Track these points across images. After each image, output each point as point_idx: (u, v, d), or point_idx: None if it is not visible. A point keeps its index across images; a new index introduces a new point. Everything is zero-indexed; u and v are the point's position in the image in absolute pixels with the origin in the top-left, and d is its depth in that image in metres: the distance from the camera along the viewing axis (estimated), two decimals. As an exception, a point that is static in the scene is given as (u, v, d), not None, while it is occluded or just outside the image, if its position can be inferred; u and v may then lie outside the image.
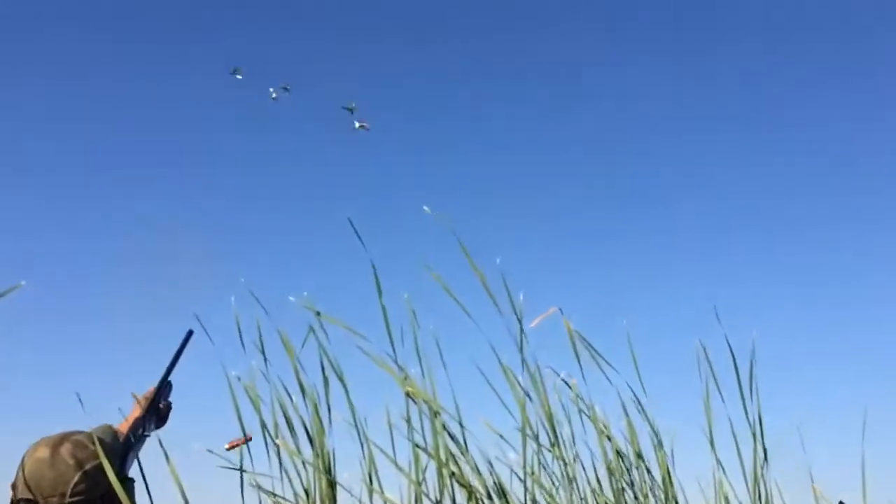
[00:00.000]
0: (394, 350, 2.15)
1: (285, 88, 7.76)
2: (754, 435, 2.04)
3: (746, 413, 1.91)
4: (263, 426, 2.16)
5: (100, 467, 1.75)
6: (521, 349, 1.96)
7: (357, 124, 7.34)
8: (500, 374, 1.97)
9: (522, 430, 1.90)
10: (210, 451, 2.16)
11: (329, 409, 2.14)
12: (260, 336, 2.32)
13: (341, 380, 2.15)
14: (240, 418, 2.23)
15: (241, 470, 2.15)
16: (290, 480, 2.14)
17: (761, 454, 2.00)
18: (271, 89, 7.75)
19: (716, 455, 2.02)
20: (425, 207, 2.29)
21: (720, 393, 1.86)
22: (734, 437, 1.96)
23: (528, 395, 1.92)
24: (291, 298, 2.30)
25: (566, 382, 2.10)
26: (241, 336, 2.37)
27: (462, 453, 1.90)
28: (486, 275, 2.04)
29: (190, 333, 2.22)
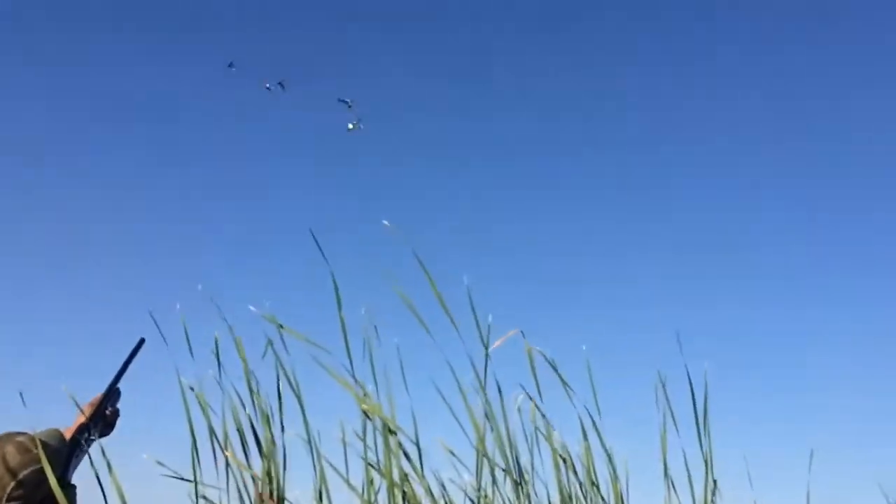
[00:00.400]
0: (351, 365, 2.12)
1: (281, 84, 7.70)
2: (706, 463, 2.06)
3: (700, 444, 1.93)
4: (213, 435, 2.12)
5: (40, 472, 1.71)
6: (484, 370, 1.95)
7: (350, 125, 7.28)
8: (462, 394, 1.95)
9: (478, 454, 1.88)
10: (160, 464, 2.11)
11: (282, 423, 2.10)
12: (216, 345, 2.28)
13: (297, 394, 2.11)
14: (191, 427, 2.19)
15: (195, 482, 2.10)
16: (239, 494, 2.10)
17: (712, 484, 2.02)
18: (267, 85, 7.69)
19: (669, 482, 2.03)
20: (385, 221, 2.28)
21: (675, 424, 1.88)
22: (686, 466, 1.97)
23: (487, 418, 1.91)
24: (252, 308, 2.27)
25: (529, 396, 2.09)
26: (188, 342, 2.33)
27: (417, 475, 1.88)
28: (455, 294, 2.04)
29: (142, 341, 2.17)
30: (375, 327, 2.15)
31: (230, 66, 8.27)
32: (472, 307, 1.99)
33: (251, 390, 2.13)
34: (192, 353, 2.32)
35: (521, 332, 2.00)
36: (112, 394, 2.10)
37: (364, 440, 1.98)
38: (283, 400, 2.12)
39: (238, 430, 2.15)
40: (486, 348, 1.96)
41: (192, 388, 2.28)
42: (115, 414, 2.10)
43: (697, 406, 1.85)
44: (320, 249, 2.21)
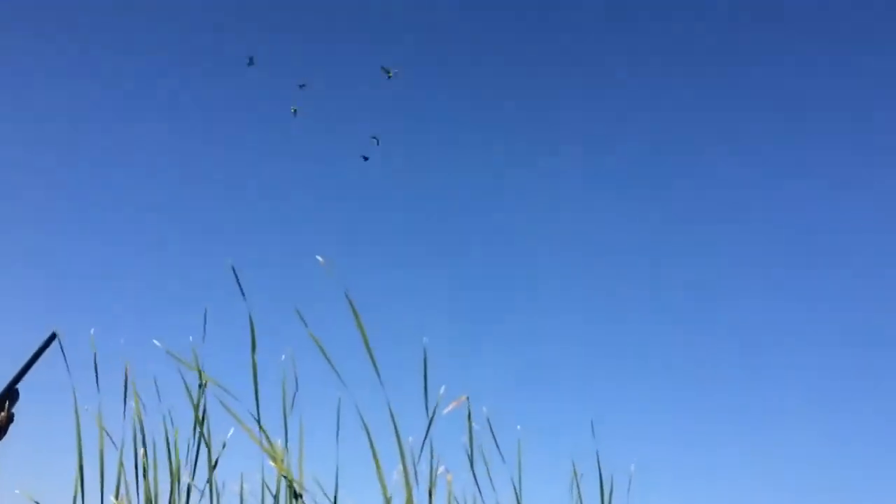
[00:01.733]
0: (258, 414, 2.06)
1: (301, 85, 7.26)
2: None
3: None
4: (103, 478, 2.04)
5: None
6: (423, 438, 1.94)
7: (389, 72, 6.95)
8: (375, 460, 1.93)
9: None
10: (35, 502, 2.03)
11: (193, 473, 2.04)
12: (126, 377, 2.17)
13: (206, 442, 2.05)
14: (80, 465, 2.09)
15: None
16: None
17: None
18: (293, 108, 7.23)
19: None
20: (318, 257, 2.21)
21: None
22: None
23: (407, 487, 1.91)
24: (156, 343, 2.16)
25: (474, 468, 2.07)
26: (96, 372, 2.22)
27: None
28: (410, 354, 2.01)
29: (52, 337, 1.98)
30: (296, 376, 2.09)
31: (250, 62, 7.70)
32: (425, 370, 1.97)
33: (137, 433, 2.06)
34: (98, 383, 2.21)
35: (468, 397, 2.00)
36: (9, 395, 1.91)
37: (276, 498, 1.95)
38: (190, 447, 2.06)
39: (143, 472, 2.08)
40: (431, 414, 1.95)
41: (86, 408, 2.19)
42: (9, 419, 1.91)
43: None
44: (240, 287, 2.12)
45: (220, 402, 2.07)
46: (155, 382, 2.23)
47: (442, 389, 2.02)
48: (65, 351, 2.05)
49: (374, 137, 7.43)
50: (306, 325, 2.13)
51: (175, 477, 2.06)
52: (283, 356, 2.15)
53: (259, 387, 2.11)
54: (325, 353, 2.10)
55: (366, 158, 7.54)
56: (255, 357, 2.16)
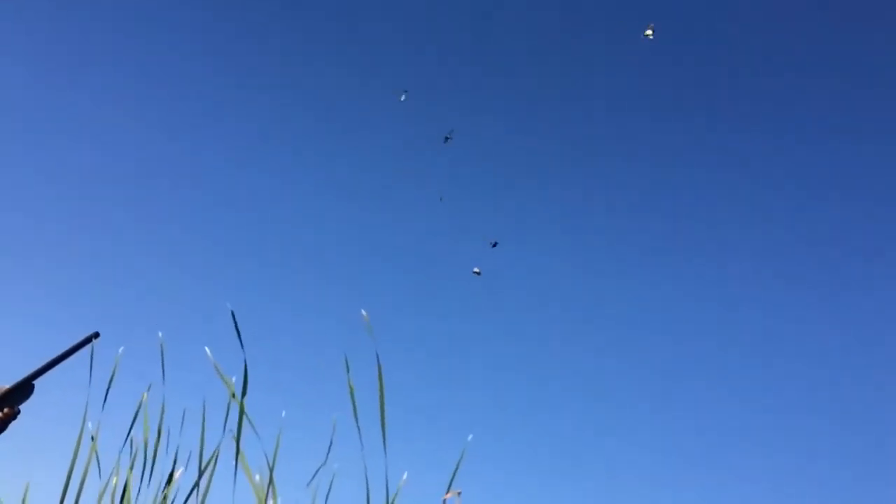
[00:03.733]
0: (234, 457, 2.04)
1: (406, 90, 7.93)
2: None
3: None
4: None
5: None
6: None
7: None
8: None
9: None
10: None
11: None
12: (138, 411, 2.20)
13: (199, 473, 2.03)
14: (67, 482, 2.11)
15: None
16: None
17: None
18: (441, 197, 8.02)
19: None
20: (363, 312, 2.21)
21: None
22: None
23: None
24: (207, 350, 2.19)
25: None
26: (107, 393, 2.28)
27: None
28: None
29: (92, 337, 1.85)
30: (331, 442, 2.05)
31: (404, 95, 8.67)
32: (460, 461, 1.90)
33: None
34: (104, 405, 2.26)
35: (460, 493, 1.93)
36: (20, 389, 1.78)
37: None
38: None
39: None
40: None
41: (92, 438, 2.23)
42: (11, 415, 1.77)
43: None
44: (238, 336, 2.15)
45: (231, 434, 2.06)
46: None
47: (404, 475, 1.95)
48: (94, 359, 2.07)
49: (494, 244, 7.65)
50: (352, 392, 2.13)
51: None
52: (283, 412, 2.14)
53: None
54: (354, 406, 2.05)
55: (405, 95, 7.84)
56: (243, 402, 2.15)
